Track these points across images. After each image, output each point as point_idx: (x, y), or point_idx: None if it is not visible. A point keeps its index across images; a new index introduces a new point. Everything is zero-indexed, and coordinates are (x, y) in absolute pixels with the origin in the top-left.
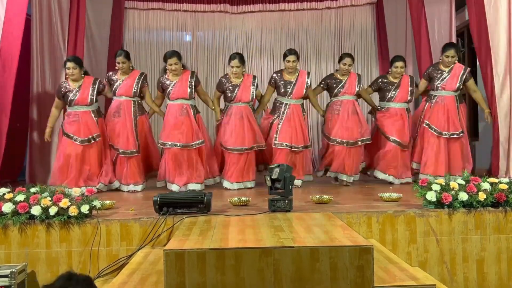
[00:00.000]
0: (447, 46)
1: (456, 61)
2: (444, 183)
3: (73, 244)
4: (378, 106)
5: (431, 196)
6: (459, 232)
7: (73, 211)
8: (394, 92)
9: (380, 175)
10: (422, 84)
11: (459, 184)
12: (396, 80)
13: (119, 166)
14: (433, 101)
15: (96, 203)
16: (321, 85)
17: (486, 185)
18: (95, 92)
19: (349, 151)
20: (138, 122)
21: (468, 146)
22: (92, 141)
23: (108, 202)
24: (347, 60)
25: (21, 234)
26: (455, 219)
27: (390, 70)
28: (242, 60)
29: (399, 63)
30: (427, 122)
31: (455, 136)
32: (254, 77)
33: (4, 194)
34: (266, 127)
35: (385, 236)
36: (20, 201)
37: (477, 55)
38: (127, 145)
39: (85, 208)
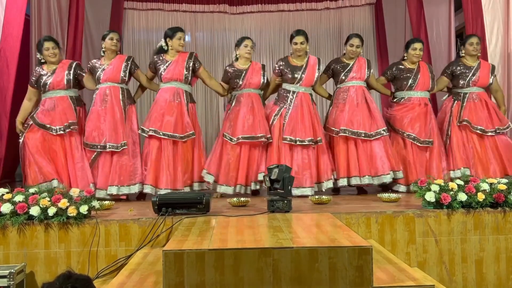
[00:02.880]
0: (469, 36)
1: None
2: (443, 184)
3: (71, 244)
4: (394, 98)
5: (430, 196)
6: (458, 233)
7: (72, 212)
8: (414, 79)
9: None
10: (443, 81)
11: (458, 184)
12: (413, 66)
13: (102, 168)
14: (465, 99)
15: (95, 203)
16: (327, 72)
17: (485, 186)
18: (71, 74)
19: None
20: (128, 113)
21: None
22: (68, 130)
23: (107, 202)
24: (354, 40)
25: (19, 235)
26: (454, 219)
27: (405, 55)
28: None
29: (418, 44)
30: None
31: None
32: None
33: (3, 194)
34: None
35: (384, 236)
36: (19, 202)
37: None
38: (116, 138)
39: (84, 209)
